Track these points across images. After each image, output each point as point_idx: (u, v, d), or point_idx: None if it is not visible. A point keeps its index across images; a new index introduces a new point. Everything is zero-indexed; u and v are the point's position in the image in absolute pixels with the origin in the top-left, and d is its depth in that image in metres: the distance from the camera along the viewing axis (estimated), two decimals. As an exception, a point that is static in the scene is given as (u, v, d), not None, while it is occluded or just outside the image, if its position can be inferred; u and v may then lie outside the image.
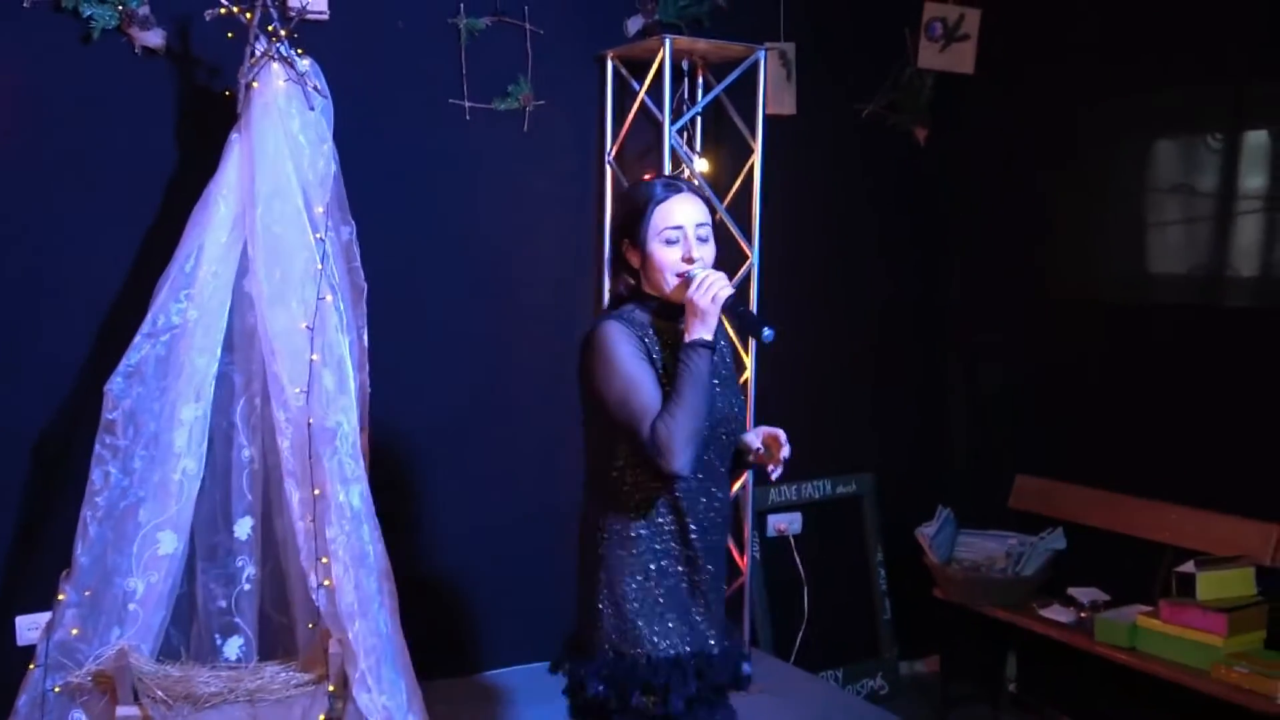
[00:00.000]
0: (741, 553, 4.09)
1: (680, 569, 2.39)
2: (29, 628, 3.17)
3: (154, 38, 3.20)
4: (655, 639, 2.35)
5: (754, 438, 2.49)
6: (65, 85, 3.16)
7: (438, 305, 3.73)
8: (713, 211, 2.49)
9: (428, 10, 3.62)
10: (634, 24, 3.93)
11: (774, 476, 2.44)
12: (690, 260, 2.32)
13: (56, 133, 3.16)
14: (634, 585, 2.36)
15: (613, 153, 3.94)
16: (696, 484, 2.38)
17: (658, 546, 2.37)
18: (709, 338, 2.27)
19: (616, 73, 3.91)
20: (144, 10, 3.17)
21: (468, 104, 3.69)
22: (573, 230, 3.97)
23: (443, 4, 3.63)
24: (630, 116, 3.88)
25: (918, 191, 4.64)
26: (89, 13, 3.12)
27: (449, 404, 3.77)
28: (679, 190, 2.36)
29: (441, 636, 3.71)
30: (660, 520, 2.37)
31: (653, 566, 2.36)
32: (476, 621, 3.88)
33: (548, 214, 3.92)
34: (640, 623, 2.35)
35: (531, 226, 3.89)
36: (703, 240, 2.36)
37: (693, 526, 2.38)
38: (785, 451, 2.42)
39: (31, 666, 2.85)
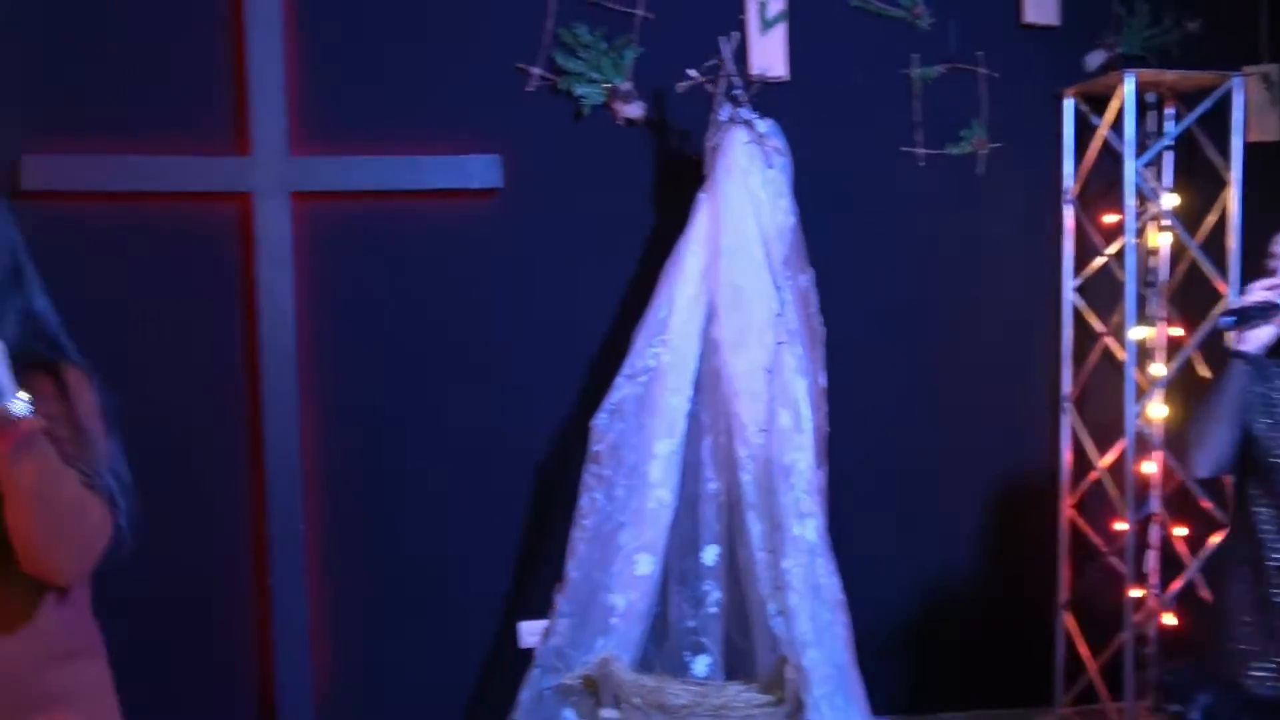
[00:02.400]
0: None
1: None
2: (529, 633, 3.59)
3: (635, 110, 3.57)
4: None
5: None
6: (560, 155, 3.60)
7: (893, 348, 3.82)
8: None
9: (881, 63, 3.75)
10: (1094, 59, 3.83)
11: None
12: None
13: (553, 197, 3.60)
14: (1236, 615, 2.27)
15: (1073, 192, 3.85)
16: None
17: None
18: (1242, 348, 2.22)
19: (1076, 110, 3.83)
20: (626, 86, 3.55)
21: (921, 151, 3.77)
22: (1030, 273, 3.91)
23: (896, 56, 3.75)
24: (1091, 154, 3.78)
25: None
26: (580, 92, 3.55)
27: (905, 446, 3.83)
28: None
29: (896, 673, 3.76)
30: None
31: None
32: (932, 661, 3.89)
33: (1003, 257, 3.89)
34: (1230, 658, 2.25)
35: (986, 270, 3.88)
36: None
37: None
38: None
39: (532, 668, 3.25)
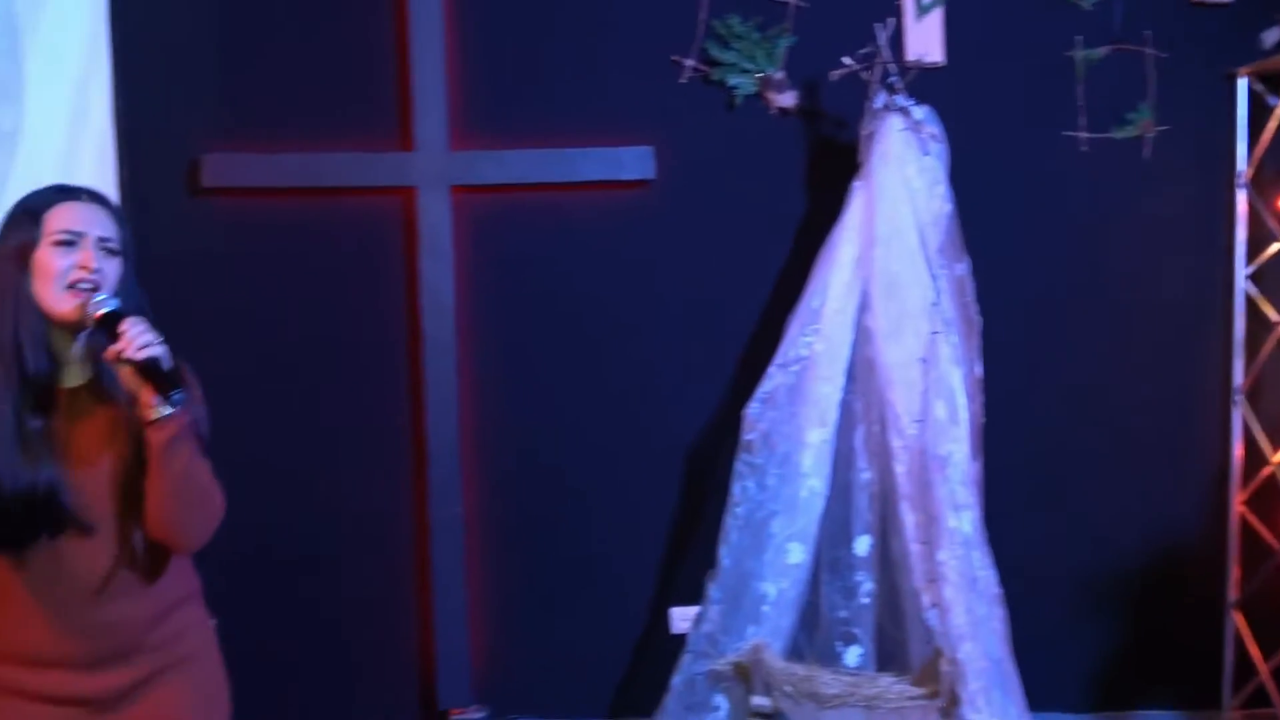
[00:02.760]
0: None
1: None
2: (680, 619, 3.63)
3: (787, 99, 3.57)
4: None
5: None
6: (712, 146, 3.62)
7: (1052, 338, 3.72)
8: None
9: (1042, 45, 3.65)
10: (1271, 36, 3.65)
11: None
12: None
13: (705, 188, 3.62)
14: None
15: (1247, 175, 3.69)
16: None
17: None
18: None
19: (1250, 89, 3.67)
20: (779, 75, 3.54)
21: (1084, 135, 3.67)
22: (1199, 260, 3.76)
23: (1058, 38, 3.65)
24: (1267, 135, 3.62)
25: None
26: (733, 82, 3.56)
27: (1064, 438, 3.73)
28: None
29: (1055, 669, 3.67)
30: None
31: None
32: (1094, 658, 3.79)
33: (1171, 243, 3.75)
34: None
35: (1152, 257, 3.75)
36: None
37: None
38: None
39: (683, 653, 3.28)
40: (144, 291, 1.98)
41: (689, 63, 3.56)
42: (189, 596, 2.04)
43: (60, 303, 1.84)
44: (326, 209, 3.56)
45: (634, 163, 3.54)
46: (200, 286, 3.46)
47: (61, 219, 1.86)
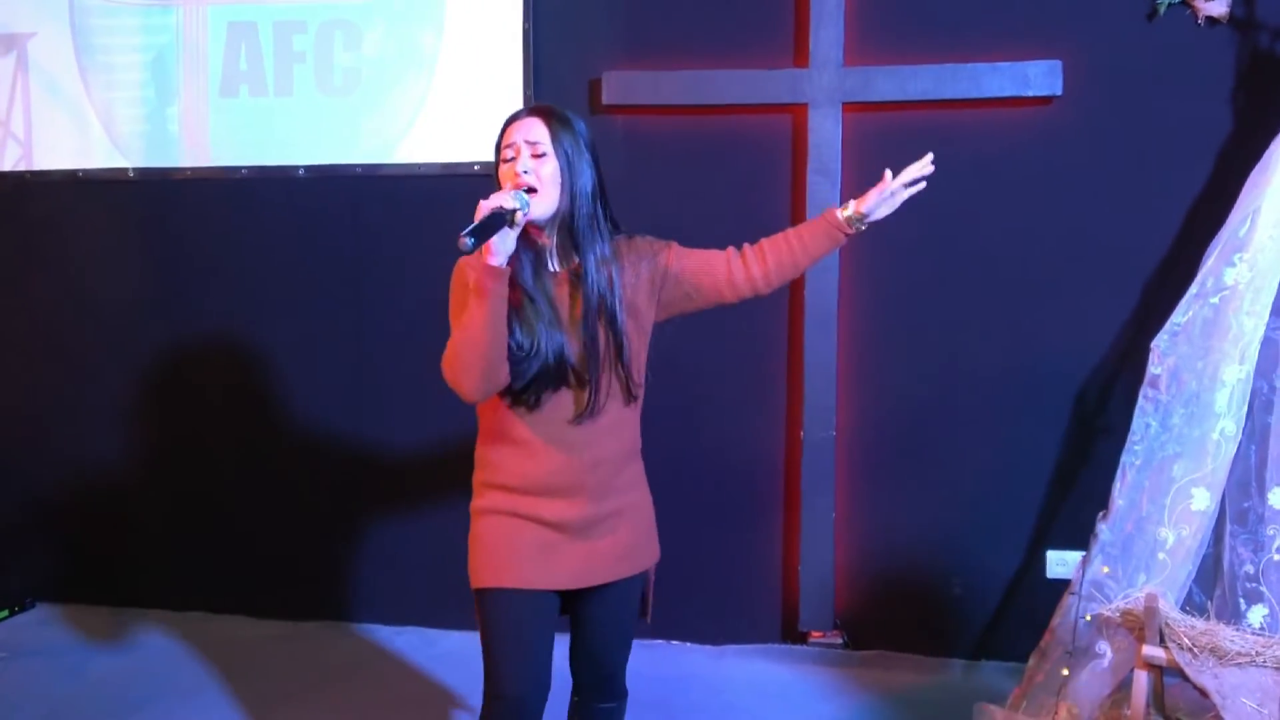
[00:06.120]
0: None
1: None
2: (1057, 563, 3.48)
3: (1218, 7, 3.27)
4: None
5: None
6: (1127, 58, 3.38)
7: None
8: None
9: None
10: None
11: None
12: None
13: (1116, 103, 3.39)
14: None
15: None
16: None
17: None
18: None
19: None
20: (1210, -19, 3.25)
21: None
22: None
23: None
24: None
25: None
26: (1157, -12, 3.31)
27: None
28: None
29: None
30: None
31: None
32: None
33: None
34: None
35: None
36: None
37: None
38: None
39: (1067, 594, 3.13)
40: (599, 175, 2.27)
41: (1108, -31, 3.33)
42: (637, 453, 2.39)
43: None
44: (718, 126, 3.61)
45: (1041, 78, 3.36)
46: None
47: (505, 138, 2.22)
